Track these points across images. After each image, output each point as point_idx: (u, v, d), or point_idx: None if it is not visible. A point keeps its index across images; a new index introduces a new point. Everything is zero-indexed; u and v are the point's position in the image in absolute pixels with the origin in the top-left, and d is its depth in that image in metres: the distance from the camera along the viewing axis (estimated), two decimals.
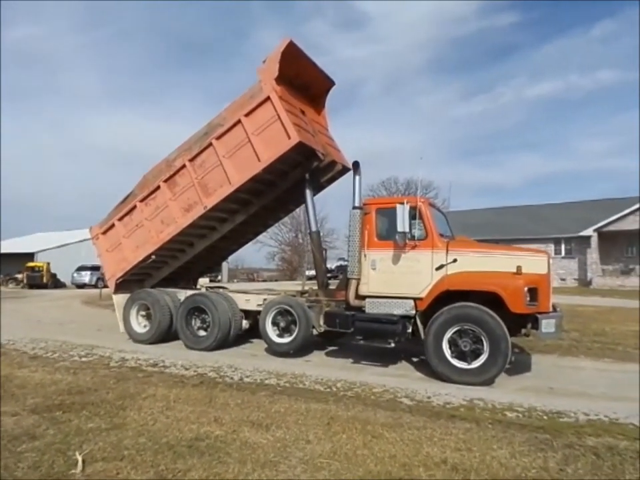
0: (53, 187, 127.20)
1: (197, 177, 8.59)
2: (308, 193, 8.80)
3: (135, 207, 9.36)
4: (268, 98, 7.74)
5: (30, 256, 38.55)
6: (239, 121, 8.09)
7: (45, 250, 40.20)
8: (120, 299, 9.94)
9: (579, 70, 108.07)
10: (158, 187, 9.03)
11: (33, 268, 34.59)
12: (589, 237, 30.19)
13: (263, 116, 7.86)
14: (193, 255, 9.79)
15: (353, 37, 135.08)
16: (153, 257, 9.39)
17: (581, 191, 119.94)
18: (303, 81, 8.96)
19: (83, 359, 7.81)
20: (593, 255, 30.23)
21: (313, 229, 8.90)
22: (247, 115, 8.00)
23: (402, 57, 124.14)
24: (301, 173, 8.75)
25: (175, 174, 8.85)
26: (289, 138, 7.63)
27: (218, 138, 8.32)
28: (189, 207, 8.75)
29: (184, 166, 8.71)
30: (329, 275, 9.37)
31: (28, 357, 7.88)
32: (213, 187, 8.49)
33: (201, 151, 8.54)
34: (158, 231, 9.13)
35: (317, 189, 9.51)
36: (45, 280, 33.87)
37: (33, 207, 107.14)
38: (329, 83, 9.57)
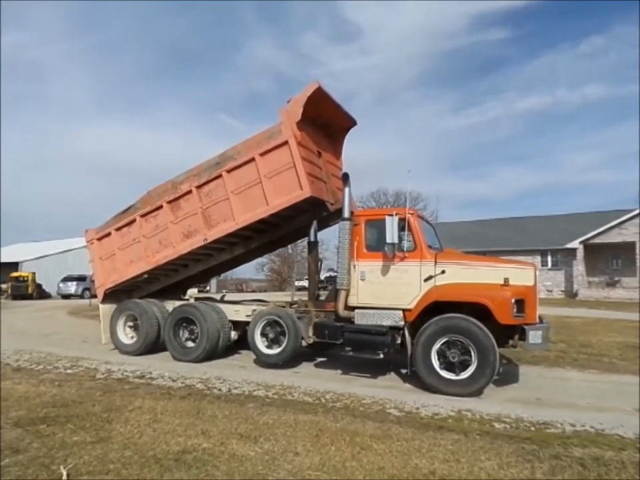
0: (38, 196, 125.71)
1: (201, 206, 8.45)
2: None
3: (134, 220, 9.21)
4: (286, 142, 7.55)
5: (14, 265, 37.89)
6: (252, 159, 7.88)
7: (30, 260, 39.58)
8: (106, 309, 9.82)
9: (567, 84, 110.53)
10: (161, 206, 8.88)
11: (17, 278, 33.71)
12: (575, 249, 30.58)
13: (279, 160, 7.65)
14: (186, 276, 9.73)
15: (345, 49, 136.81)
16: (146, 275, 9.32)
17: (567, 204, 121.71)
18: (325, 119, 8.83)
19: (68, 371, 7.70)
20: (579, 266, 30.61)
21: (312, 239, 8.89)
22: (262, 154, 7.79)
23: (393, 70, 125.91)
24: (307, 219, 8.60)
25: (179, 197, 8.71)
26: (301, 189, 7.48)
27: (229, 171, 8.15)
28: (189, 233, 8.62)
29: (190, 191, 8.56)
30: (319, 285, 9.35)
31: (11, 369, 7.74)
32: (216, 220, 8.36)
33: (210, 180, 8.36)
34: (154, 251, 9.02)
35: (322, 227, 9.43)
36: (30, 290, 33.10)
37: (17, 216, 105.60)
38: (350, 123, 9.46)
